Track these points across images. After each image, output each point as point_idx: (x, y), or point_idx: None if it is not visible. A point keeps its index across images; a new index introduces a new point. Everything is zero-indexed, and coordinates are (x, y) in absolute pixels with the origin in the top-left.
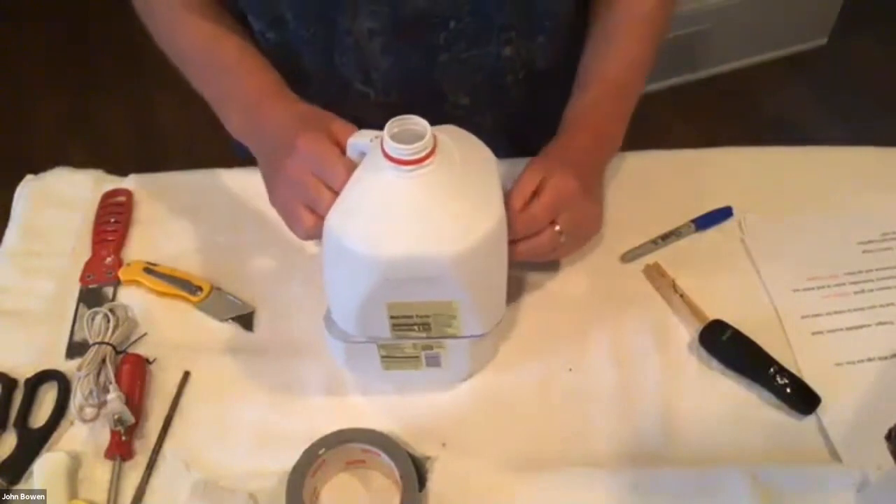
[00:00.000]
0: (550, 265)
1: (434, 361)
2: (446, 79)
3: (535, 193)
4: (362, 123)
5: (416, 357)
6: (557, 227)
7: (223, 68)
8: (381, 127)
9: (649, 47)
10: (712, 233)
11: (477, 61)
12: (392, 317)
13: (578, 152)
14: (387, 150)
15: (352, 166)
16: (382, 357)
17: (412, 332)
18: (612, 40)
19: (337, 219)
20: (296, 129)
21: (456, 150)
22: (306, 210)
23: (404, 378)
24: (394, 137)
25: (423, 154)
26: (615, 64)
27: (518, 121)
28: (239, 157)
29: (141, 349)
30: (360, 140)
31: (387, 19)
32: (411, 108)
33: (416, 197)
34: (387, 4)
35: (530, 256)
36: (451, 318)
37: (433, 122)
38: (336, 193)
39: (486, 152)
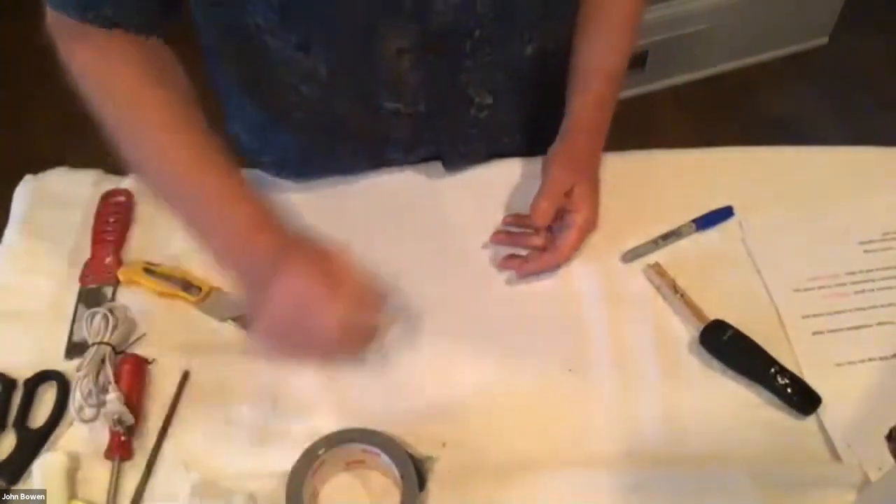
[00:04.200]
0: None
1: None
2: (472, 82)
3: (558, 214)
4: (391, 140)
5: None
6: None
7: (205, 197)
8: (408, 140)
9: (636, 32)
10: (713, 233)
11: (501, 62)
12: None
13: (587, 156)
14: None
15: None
16: None
17: None
18: (611, 29)
19: None
20: (288, 258)
21: None
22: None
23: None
24: None
25: None
26: (613, 56)
27: (535, 107)
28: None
29: (140, 349)
30: None
31: (415, 37)
32: (438, 115)
33: None
34: (414, 22)
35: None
36: None
37: (459, 127)
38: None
39: None
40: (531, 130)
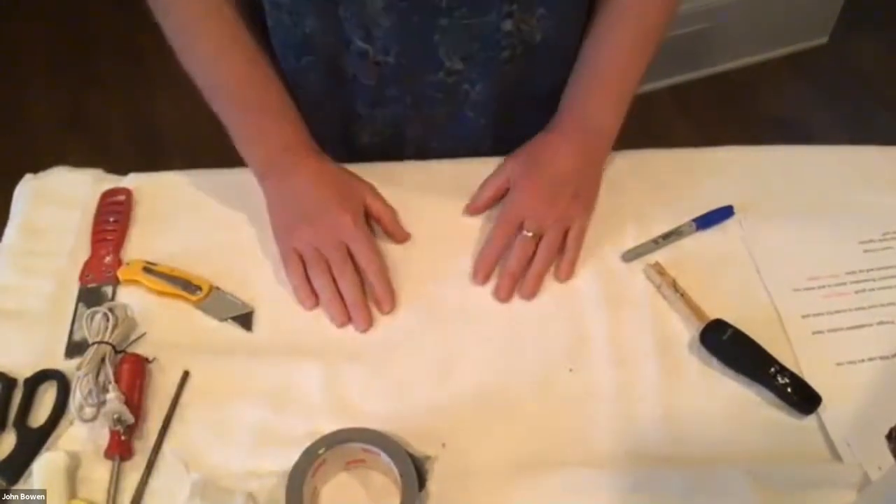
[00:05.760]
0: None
1: None
2: (444, 43)
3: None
4: (357, 82)
5: None
6: (526, 232)
7: (249, 105)
8: (375, 91)
9: (650, 30)
10: (713, 232)
11: (477, 29)
12: None
13: (554, 158)
14: None
15: (378, 252)
16: None
17: None
18: (614, 23)
19: None
20: (332, 200)
21: None
22: (327, 279)
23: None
24: None
25: None
26: (612, 51)
27: (507, 96)
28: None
29: (140, 349)
30: None
31: None
32: (407, 69)
33: None
34: None
35: (522, 266)
36: None
37: (425, 87)
38: (357, 272)
39: None
40: (502, 118)
